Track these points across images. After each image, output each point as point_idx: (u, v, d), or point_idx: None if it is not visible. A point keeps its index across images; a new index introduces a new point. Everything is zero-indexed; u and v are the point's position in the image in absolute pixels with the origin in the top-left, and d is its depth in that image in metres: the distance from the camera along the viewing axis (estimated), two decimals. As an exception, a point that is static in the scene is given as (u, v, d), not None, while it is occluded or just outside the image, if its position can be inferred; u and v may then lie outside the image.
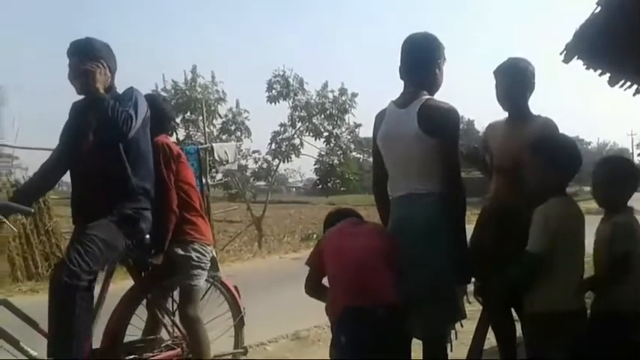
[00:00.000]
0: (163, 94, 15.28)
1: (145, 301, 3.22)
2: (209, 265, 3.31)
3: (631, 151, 59.28)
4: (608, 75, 4.90)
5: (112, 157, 2.83)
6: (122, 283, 3.35)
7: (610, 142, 77.16)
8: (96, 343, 2.91)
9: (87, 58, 2.84)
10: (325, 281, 2.63)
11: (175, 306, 3.36)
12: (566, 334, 2.37)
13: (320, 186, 19.56)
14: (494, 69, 3.20)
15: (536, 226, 2.41)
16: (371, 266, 2.47)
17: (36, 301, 4.46)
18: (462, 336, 2.80)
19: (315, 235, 13.94)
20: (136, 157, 2.91)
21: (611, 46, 4.33)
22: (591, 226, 2.53)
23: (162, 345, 3.27)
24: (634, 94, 5.37)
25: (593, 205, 2.84)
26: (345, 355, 2.43)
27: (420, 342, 2.68)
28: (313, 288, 2.69)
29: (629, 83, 5.20)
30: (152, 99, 3.28)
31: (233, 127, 16.00)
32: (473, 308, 3.08)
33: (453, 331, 2.67)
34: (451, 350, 2.68)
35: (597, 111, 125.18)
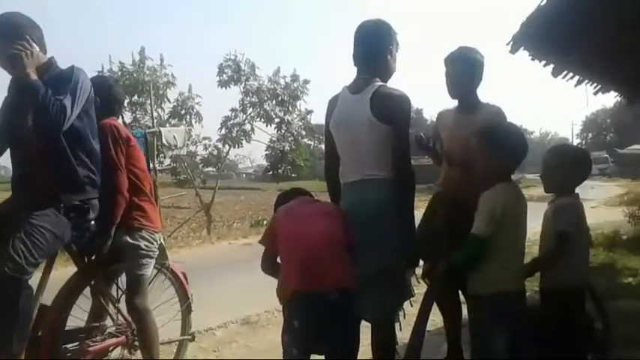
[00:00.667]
0: (109, 75, 14.80)
1: (88, 288, 3.12)
2: (157, 253, 3.23)
3: (571, 140, 61.71)
4: (552, 66, 5.07)
5: (54, 144, 2.67)
6: (64, 270, 3.24)
7: (552, 132, 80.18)
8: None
9: (11, 39, 2.59)
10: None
11: (120, 293, 3.29)
12: (508, 314, 2.45)
13: (271, 172, 19.47)
14: (445, 57, 3.24)
15: (482, 210, 2.47)
16: (322, 250, 2.46)
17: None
18: (408, 318, 2.86)
19: (265, 221, 13.89)
20: (79, 143, 2.76)
21: (556, 38, 4.48)
22: (532, 212, 2.63)
23: (106, 332, 3.18)
24: (575, 85, 5.58)
25: (535, 191, 2.98)
26: (295, 339, 2.45)
27: (369, 324, 2.73)
28: (269, 266, 2.69)
29: (571, 74, 5.40)
30: (101, 81, 3.19)
31: (183, 112, 15.68)
32: (421, 290, 3.15)
33: (401, 312, 2.73)
34: (400, 330, 2.75)
35: (540, 101, 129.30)
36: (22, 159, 2.82)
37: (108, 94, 3.17)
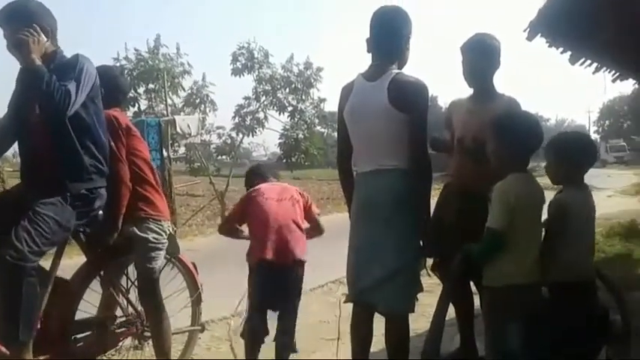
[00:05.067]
0: (125, 63, 14.85)
1: (99, 279, 3.13)
2: (167, 243, 3.20)
3: (587, 127, 60.96)
4: (569, 53, 4.99)
5: (60, 133, 2.66)
6: (76, 259, 3.25)
7: (568, 119, 79.32)
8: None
9: (18, 25, 2.59)
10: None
11: (130, 283, 3.28)
12: (522, 306, 2.42)
13: (284, 160, 19.44)
14: (461, 45, 3.18)
15: (496, 202, 2.44)
16: (285, 228, 3.18)
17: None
18: (421, 308, 2.85)
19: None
20: (86, 132, 2.74)
21: (574, 25, 4.40)
22: (548, 200, 2.57)
23: (116, 323, 3.19)
24: (593, 72, 5.49)
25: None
26: (256, 297, 3.19)
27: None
28: (228, 230, 3.56)
29: (589, 62, 5.31)
30: (105, 70, 3.13)
31: (197, 101, 15.70)
32: (432, 281, 3.13)
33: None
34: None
35: (557, 88, 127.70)
36: (29, 147, 2.81)
37: (112, 84, 3.14)
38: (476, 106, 3.13)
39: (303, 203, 3.41)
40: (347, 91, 2.78)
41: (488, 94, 3.15)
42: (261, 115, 15.48)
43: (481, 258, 2.51)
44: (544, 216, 2.56)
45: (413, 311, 2.71)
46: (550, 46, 4.77)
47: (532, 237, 2.50)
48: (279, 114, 15.89)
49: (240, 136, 15.27)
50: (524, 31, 4.38)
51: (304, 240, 3.28)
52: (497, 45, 3.14)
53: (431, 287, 3.14)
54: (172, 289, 3.45)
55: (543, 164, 2.71)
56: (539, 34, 4.46)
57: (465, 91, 3.28)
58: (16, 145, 2.89)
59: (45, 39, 2.66)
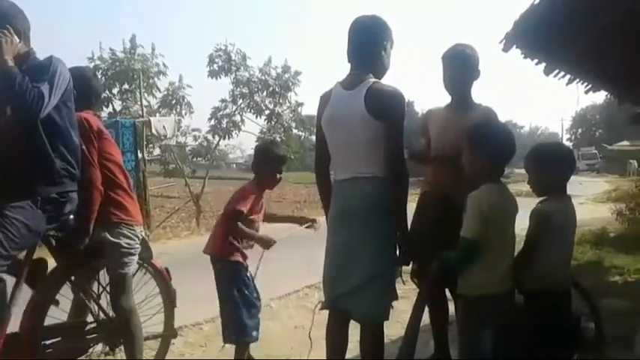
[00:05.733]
0: (99, 63, 14.63)
1: (69, 284, 3.07)
2: (139, 248, 3.15)
3: (560, 135, 62.11)
4: (543, 64, 5.07)
5: (31, 135, 2.60)
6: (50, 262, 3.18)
7: (542, 127, 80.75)
8: (16, 327, 2.77)
9: None
10: None
11: (101, 289, 3.23)
12: (494, 315, 2.44)
13: (261, 163, 19.49)
14: (442, 55, 3.23)
15: (469, 212, 2.45)
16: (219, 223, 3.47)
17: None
18: (396, 315, 2.87)
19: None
20: (58, 135, 2.69)
21: (548, 38, 4.47)
22: (521, 207, 2.59)
23: (87, 329, 3.14)
24: (567, 84, 5.59)
25: (524, 187, 2.95)
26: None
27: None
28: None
29: (562, 73, 5.41)
30: (79, 72, 3.08)
31: (173, 102, 15.55)
32: (407, 287, 3.15)
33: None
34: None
35: (531, 96, 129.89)
36: (0, 153, 2.75)
37: (85, 86, 3.08)
38: (453, 115, 3.17)
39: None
40: (325, 100, 2.79)
41: (466, 103, 3.20)
42: (237, 118, 15.38)
43: (456, 266, 2.53)
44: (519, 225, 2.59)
45: (387, 319, 2.72)
46: (525, 57, 4.84)
47: (505, 246, 2.52)
48: (256, 117, 15.81)
49: (217, 138, 15.16)
50: (500, 42, 4.44)
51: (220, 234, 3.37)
52: (477, 56, 3.20)
53: (406, 293, 3.16)
54: (145, 295, 3.40)
55: (517, 170, 2.75)
56: (515, 46, 4.52)
57: (442, 96, 3.34)
58: None
59: (18, 40, 2.61)
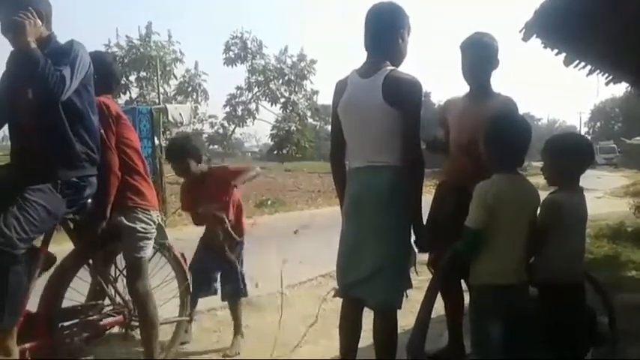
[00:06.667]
0: (116, 50, 14.72)
1: (87, 267, 3.11)
2: (155, 233, 3.18)
3: (578, 128, 61.34)
4: (564, 55, 5.00)
5: (52, 118, 2.62)
6: (65, 245, 3.23)
7: (559, 120, 79.77)
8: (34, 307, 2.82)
9: (14, 8, 2.54)
10: None
11: (118, 272, 3.27)
12: (505, 306, 2.42)
13: (276, 152, 19.36)
14: (461, 43, 3.18)
15: (473, 201, 2.45)
16: None
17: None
18: (409, 304, 2.86)
19: (269, 201, 13.90)
20: (78, 119, 2.71)
21: (570, 27, 4.40)
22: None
23: (104, 312, 3.17)
24: (587, 75, 5.51)
25: (541, 179, 2.91)
26: None
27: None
28: (188, 210, 4.04)
29: (583, 64, 5.33)
30: (99, 57, 3.08)
31: (189, 89, 15.61)
32: (421, 278, 3.15)
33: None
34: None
35: (549, 88, 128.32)
36: (20, 132, 2.78)
37: (105, 70, 3.10)
38: (472, 105, 3.14)
39: None
40: (341, 87, 2.77)
41: (485, 92, 3.15)
42: (252, 105, 15.44)
43: (461, 255, 2.53)
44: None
45: (400, 307, 2.72)
46: (545, 47, 4.77)
47: (515, 237, 2.48)
48: (272, 105, 15.88)
49: (232, 126, 15.22)
50: (520, 31, 4.38)
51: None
52: (496, 45, 3.14)
53: (420, 284, 3.15)
54: (160, 279, 3.44)
55: (534, 163, 2.72)
56: (535, 35, 4.46)
57: (459, 87, 3.30)
58: (5, 129, 2.85)
59: (40, 23, 2.62)
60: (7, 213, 2.46)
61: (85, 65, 2.68)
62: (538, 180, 2.76)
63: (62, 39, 2.78)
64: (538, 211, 2.57)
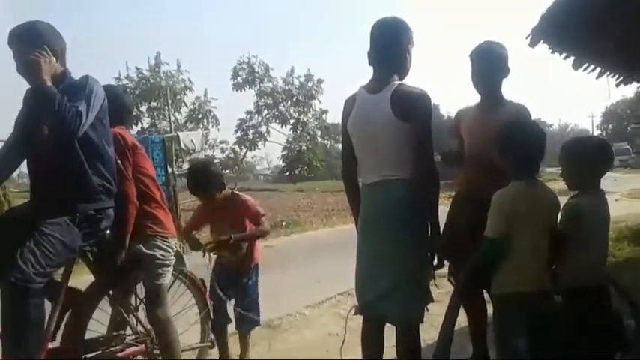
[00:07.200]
0: (126, 81, 14.94)
1: (107, 298, 3.12)
2: (174, 260, 3.21)
3: (591, 131, 60.82)
4: (572, 58, 4.99)
5: (69, 154, 2.66)
6: (84, 278, 3.25)
7: (571, 124, 79.14)
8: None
9: (28, 47, 2.60)
10: None
11: (139, 301, 3.27)
12: (528, 314, 2.39)
13: (287, 173, 19.40)
14: (470, 52, 3.18)
15: (491, 210, 2.43)
16: None
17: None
18: (431, 318, 2.83)
19: (284, 223, 13.89)
20: (94, 152, 2.75)
21: (576, 31, 4.40)
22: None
23: (126, 341, 3.17)
24: (597, 77, 5.48)
25: (555, 185, 2.88)
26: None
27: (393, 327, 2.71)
28: (188, 232, 4.04)
29: (592, 67, 5.31)
30: (111, 90, 3.13)
31: (200, 116, 15.77)
32: (441, 291, 3.12)
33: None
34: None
35: (559, 93, 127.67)
36: (37, 168, 2.82)
37: (117, 102, 3.14)
38: (484, 114, 3.13)
39: None
40: (350, 104, 2.78)
41: (497, 100, 3.14)
42: (263, 128, 15.55)
43: (481, 265, 2.50)
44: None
45: (422, 321, 2.69)
46: (553, 52, 4.76)
47: (537, 244, 2.45)
48: (282, 127, 15.99)
49: (244, 150, 15.32)
50: (527, 38, 4.39)
51: None
52: (506, 53, 3.14)
53: (440, 297, 3.12)
54: (181, 306, 3.44)
55: (548, 170, 2.69)
56: (542, 41, 4.46)
57: (466, 99, 3.29)
58: (22, 166, 2.89)
59: (55, 60, 2.68)
60: (24, 247, 2.48)
61: (99, 99, 2.72)
62: (554, 186, 2.73)
63: (73, 74, 2.83)
64: (559, 217, 2.55)
